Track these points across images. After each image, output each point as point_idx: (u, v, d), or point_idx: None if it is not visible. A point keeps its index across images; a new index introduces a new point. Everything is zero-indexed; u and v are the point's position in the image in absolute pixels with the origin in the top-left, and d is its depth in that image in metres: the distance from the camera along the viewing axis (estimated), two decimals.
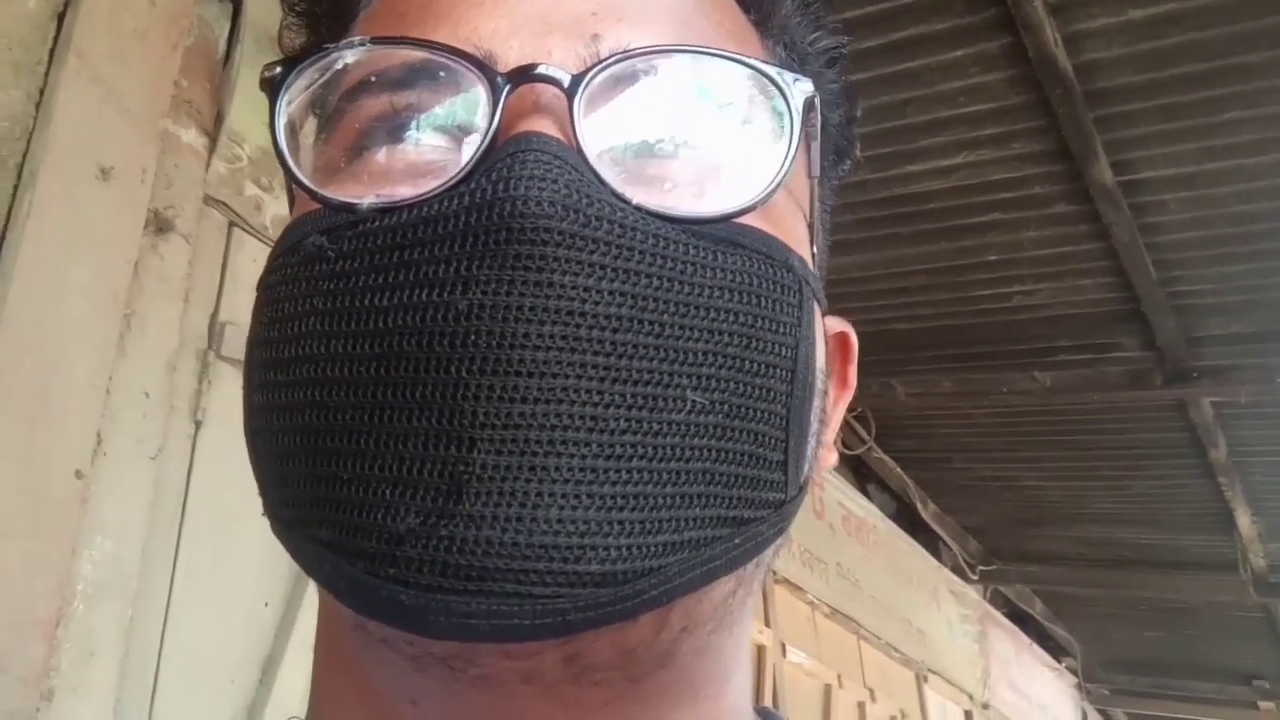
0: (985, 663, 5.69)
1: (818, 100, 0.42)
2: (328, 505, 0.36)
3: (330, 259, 0.38)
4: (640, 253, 0.36)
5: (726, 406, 0.37)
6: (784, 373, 0.39)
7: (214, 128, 1.80)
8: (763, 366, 0.38)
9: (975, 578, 5.78)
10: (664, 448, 0.35)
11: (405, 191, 0.38)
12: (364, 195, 0.39)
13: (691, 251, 0.37)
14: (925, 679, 4.84)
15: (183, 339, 1.65)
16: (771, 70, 0.41)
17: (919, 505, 5.05)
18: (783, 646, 3.53)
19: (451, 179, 0.36)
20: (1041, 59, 2.22)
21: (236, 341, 1.72)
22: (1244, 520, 4.64)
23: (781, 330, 0.39)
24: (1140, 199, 2.66)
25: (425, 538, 0.33)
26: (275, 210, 1.86)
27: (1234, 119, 2.35)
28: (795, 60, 0.48)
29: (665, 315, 0.36)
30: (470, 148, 0.38)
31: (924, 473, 4.89)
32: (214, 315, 1.72)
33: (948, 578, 5.41)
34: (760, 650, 3.38)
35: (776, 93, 0.41)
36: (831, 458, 0.48)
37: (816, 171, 0.45)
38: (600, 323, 0.34)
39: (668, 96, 0.40)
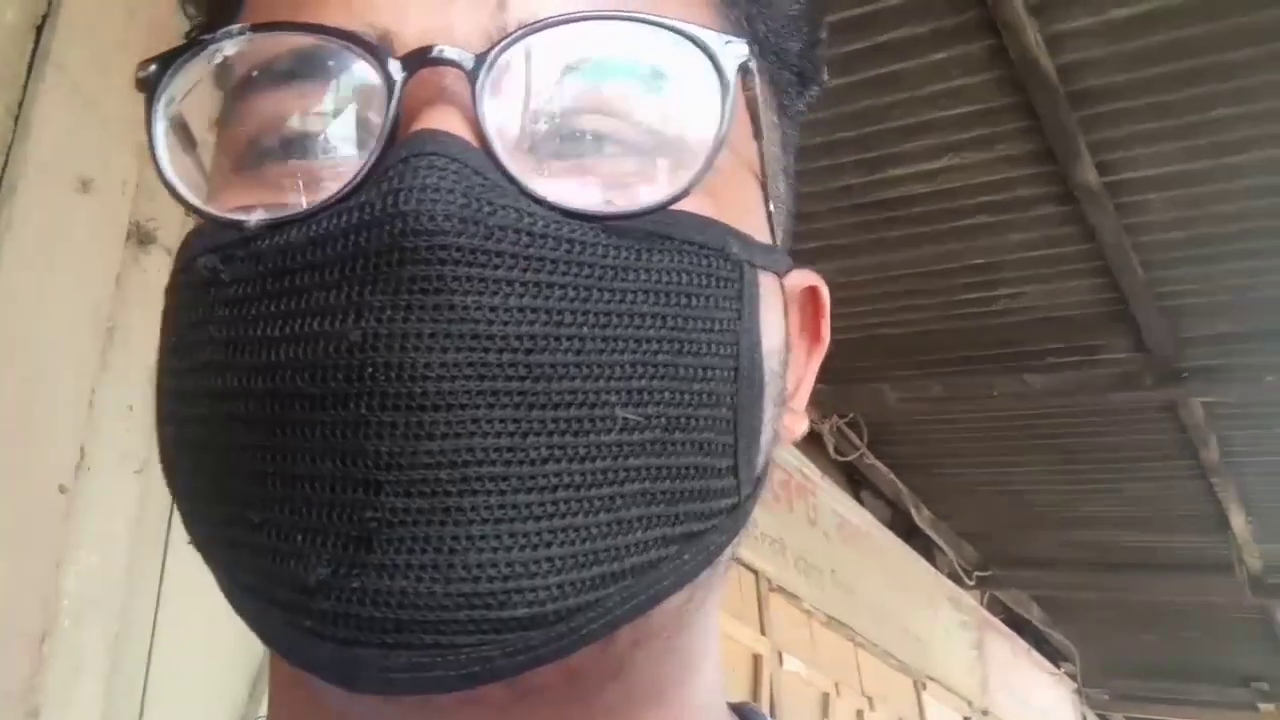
0: (984, 669, 5.68)
1: (753, 63, 0.38)
2: (242, 549, 0.34)
3: (222, 281, 0.35)
4: (552, 262, 0.33)
5: (663, 420, 0.34)
6: (726, 373, 0.36)
7: None
8: (700, 370, 0.35)
9: (972, 584, 5.77)
10: (594, 473, 0.33)
11: (299, 199, 0.35)
12: (256, 206, 0.36)
13: (611, 254, 0.34)
14: (924, 686, 4.83)
15: None
16: (700, 33, 0.37)
17: (913, 511, 5.04)
18: (779, 655, 3.51)
19: (345, 187, 0.33)
20: (1024, 61, 2.23)
21: None
22: (1238, 521, 4.64)
23: (718, 327, 0.36)
24: (1125, 199, 2.66)
25: (337, 590, 0.31)
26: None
27: (1218, 117, 2.36)
28: None
29: (585, 329, 0.33)
30: (367, 146, 0.34)
31: (917, 478, 4.88)
32: None
33: (944, 584, 5.40)
34: (756, 659, 3.36)
35: (706, 59, 0.37)
36: (801, 425, 0.46)
37: (764, 133, 0.41)
38: (511, 344, 0.32)
39: (584, 71, 0.37)
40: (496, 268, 0.32)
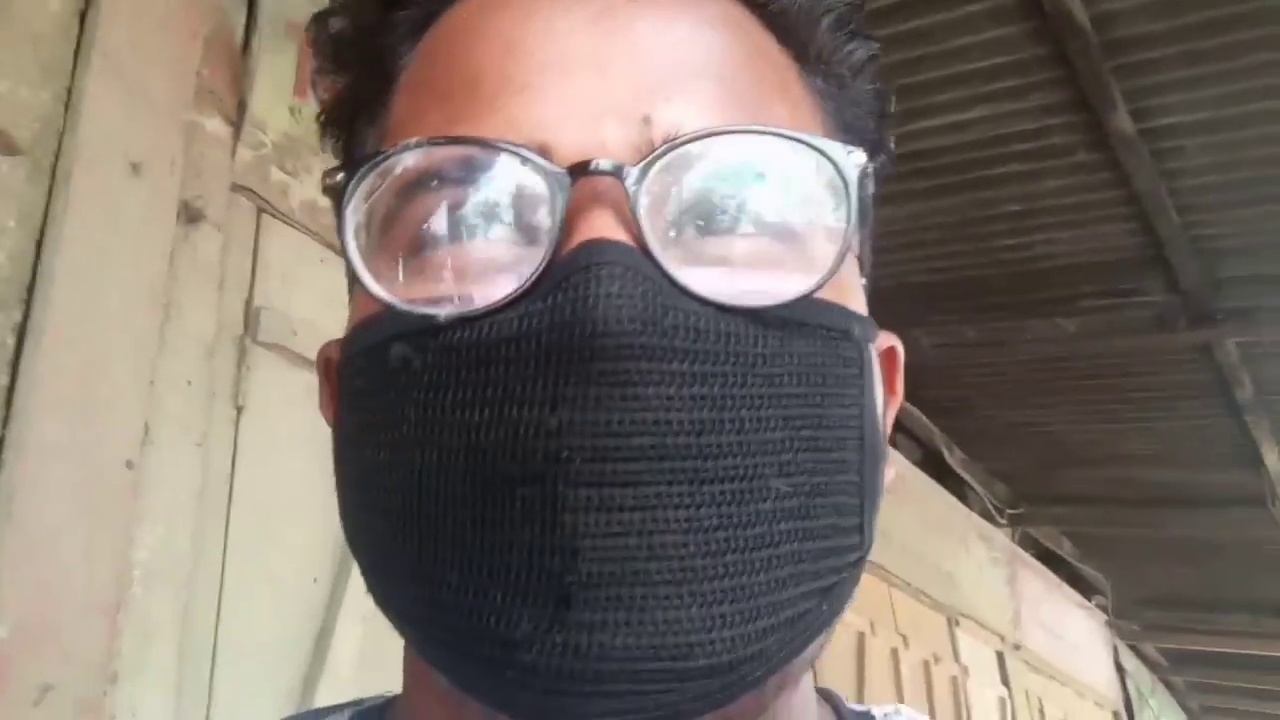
0: (1015, 604, 5.73)
1: (871, 169, 0.43)
2: (438, 607, 0.38)
3: (415, 369, 0.39)
4: (715, 354, 0.37)
5: (807, 487, 0.39)
6: (855, 442, 0.41)
7: (237, 115, 1.83)
8: (835, 442, 0.40)
9: (1004, 522, 5.79)
10: (754, 537, 0.37)
11: (476, 292, 0.39)
12: (432, 295, 0.40)
13: (759, 342, 0.38)
14: (956, 623, 4.88)
15: (220, 326, 1.69)
16: (827, 146, 0.41)
17: (945, 452, 5.06)
18: None
19: (525, 285, 0.38)
20: (1056, 11, 2.21)
21: (272, 326, 1.76)
22: (1271, 456, 4.63)
23: (847, 403, 0.41)
24: (1160, 145, 2.65)
25: (540, 644, 0.35)
26: (301, 195, 1.89)
27: (1254, 63, 2.34)
28: (833, 86, 0.48)
29: (744, 411, 0.37)
30: (536, 246, 0.39)
31: (950, 421, 4.90)
32: (248, 301, 1.76)
33: (976, 523, 5.43)
34: None
35: (832, 167, 0.41)
36: (890, 474, 0.49)
37: (869, 221, 0.46)
38: (685, 428, 0.36)
39: (723, 179, 0.41)
40: (670, 361, 0.36)
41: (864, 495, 0.42)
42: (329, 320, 1.88)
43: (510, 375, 0.37)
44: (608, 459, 0.35)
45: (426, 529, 0.38)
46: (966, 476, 5.35)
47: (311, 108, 1.92)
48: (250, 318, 1.76)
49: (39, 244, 1.47)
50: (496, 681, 0.37)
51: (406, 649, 0.47)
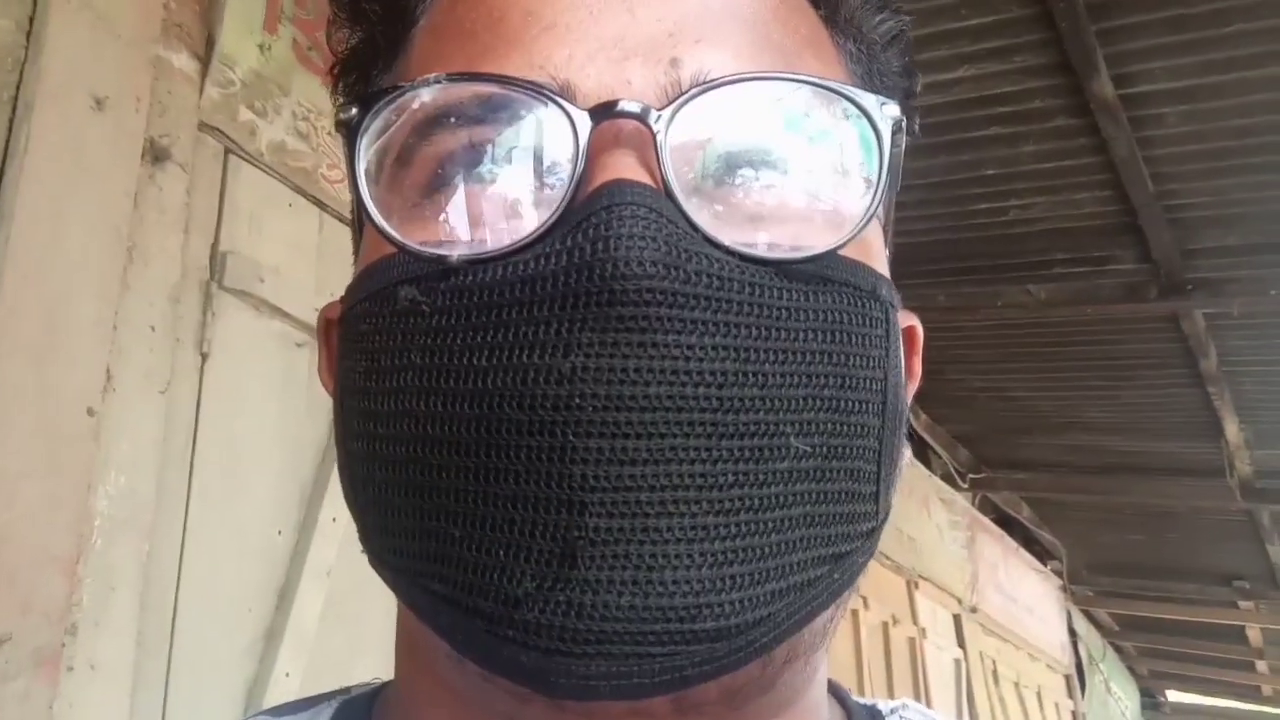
0: (973, 568, 5.81)
1: (904, 123, 0.41)
2: (439, 560, 0.36)
3: (424, 312, 0.37)
4: (738, 304, 0.35)
5: (825, 449, 0.37)
6: (876, 406, 0.39)
7: (205, 51, 1.76)
8: (857, 404, 0.38)
9: (965, 486, 5.86)
10: (769, 497, 0.35)
11: (491, 235, 0.37)
12: (445, 238, 0.38)
13: (785, 295, 0.36)
14: (916, 585, 4.94)
15: (185, 270, 1.64)
16: (859, 95, 0.39)
17: (910, 416, 5.08)
18: None
19: (542, 226, 0.36)
20: None
21: (238, 271, 1.71)
22: (1232, 428, 4.70)
23: (872, 364, 0.39)
24: (1139, 113, 2.65)
25: (542, 602, 0.33)
26: (270, 135, 1.83)
27: (1236, 32, 2.33)
28: (862, 52, 0.46)
29: (767, 365, 0.35)
30: (555, 188, 0.37)
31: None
32: (214, 245, 1.71)
33: (938, 486, 5.49)
34: None
35: (863, 117, 0.39)
36: (905, 453, 0.47)
37: (897, 185, 0.43)
38: (706, 379, 0.34)
39: (753, 127, 0.39)
40: (693, 309, 0.34)
41: (881, 463, 0.40)
42: (297, 266, 1.83)
43: (522, 319, 0.35)
44: (621, 408, 0.33)
45: (429, 480, 0.36)
46: (930, 440, 5.39)
47: (282, 44, 1.85)
48: (216, 262, 1.70)
49: None
50: (496, 642, 0.34)
51: (400, 634, 0.44)
